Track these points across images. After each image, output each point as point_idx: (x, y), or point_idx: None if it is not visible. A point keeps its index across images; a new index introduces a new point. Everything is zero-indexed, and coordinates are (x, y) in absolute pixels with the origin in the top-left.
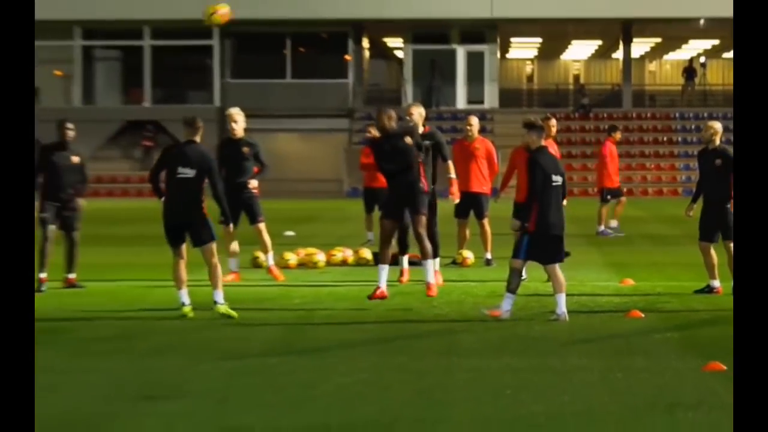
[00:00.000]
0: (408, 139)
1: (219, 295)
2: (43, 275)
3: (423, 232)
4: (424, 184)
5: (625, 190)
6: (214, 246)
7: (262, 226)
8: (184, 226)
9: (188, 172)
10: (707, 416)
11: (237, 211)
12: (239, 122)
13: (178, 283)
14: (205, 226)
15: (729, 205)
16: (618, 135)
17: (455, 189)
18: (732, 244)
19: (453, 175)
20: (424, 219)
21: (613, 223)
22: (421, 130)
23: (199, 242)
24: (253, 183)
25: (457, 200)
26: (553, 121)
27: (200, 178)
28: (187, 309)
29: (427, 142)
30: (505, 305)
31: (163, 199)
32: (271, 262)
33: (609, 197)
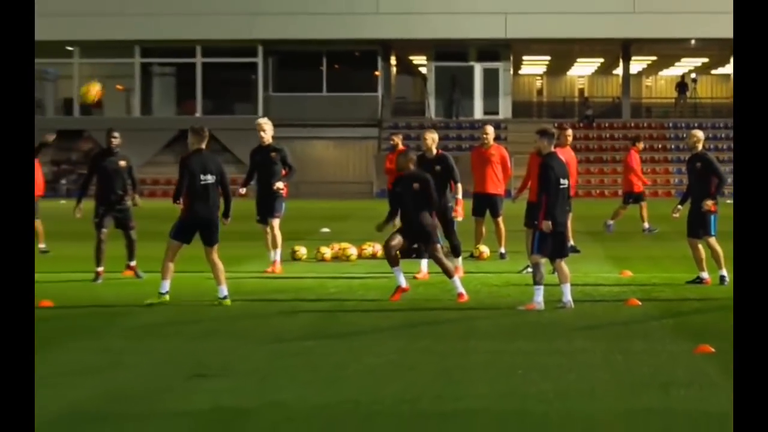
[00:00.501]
0: (416, 185)
1: (224, 290)
2: (100, 269)
3: (439, 255)
4: (435, 218)
5: (647, 193)
6: (217, 247)
7: (275, 222)
8: (204, 226)
9: (210, 179)
10: (698, 393)
11: (268, 210)
12: (267, 131)
13: (167, 274)
14: (217, 228)
15: (707, 204)
16: (641, 145)
17: (460, 209)
18: (712, 240)
19: (460, 196)
20: (438, 245)
21: (646, 225)
22: (434, 152)
23: (210, 242)
24: (279, 185)
25: (460, 219)
26: (569, 131)
27: (218, 183)
28: (166, 297)
29: (438, 167)
30: (537, 297)
31: (179, 203)
32: (276, 257)
33: (631, 200)
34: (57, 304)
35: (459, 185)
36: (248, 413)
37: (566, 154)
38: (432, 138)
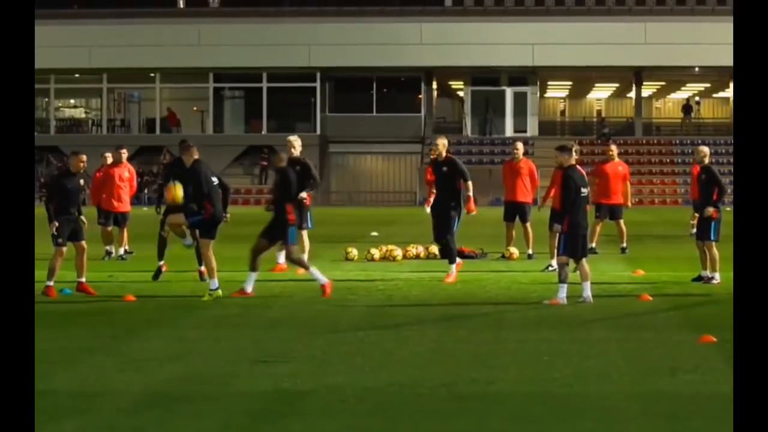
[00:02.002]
0: (277, 178)
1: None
2: (162, 263)
3: (256, 250)
4: (290, 216)
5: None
6: None
7: (304, 233)
8: (219, 221)
9: (215, 180)
10: (701, 377)
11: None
12: (297, 147)
13: (215, 272)
14: None
15: (708, 211)
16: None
17: (471, 205)
18: (710, 244)
19: (470, 193)
20: (290, 246)
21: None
22: (443, 156)
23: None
24: (302, 194)
25: (473, 213)
26: (614, 146)
27: (219, 185)
28: (219, 292)
29: (445, 168)
30: (561, 294)
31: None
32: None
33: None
34: (139, 298)
35: (469, 183)
36: (306, 395)
37: (613, 168)
38: (443, 144)
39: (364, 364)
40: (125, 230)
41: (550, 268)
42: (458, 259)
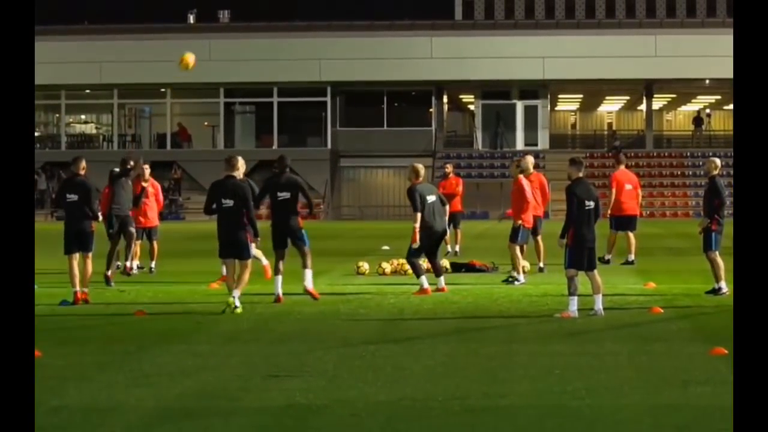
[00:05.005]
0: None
1: (237, 293)
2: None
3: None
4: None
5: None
6: (249, 263)
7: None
8: (230, 244)
9: (229, 203)
10: (713, 390)
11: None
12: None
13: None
14: (244, 246)
15: (705, 222)
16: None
17: (413, 236)
18: (712, 254)
19: (416, 225)
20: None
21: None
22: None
23: (238, 257)
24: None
25: (414, 245)
26: (621, 157)
27: (238, 207)
28: (232, 300)
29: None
30: (572, 307)
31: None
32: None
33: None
34: (151, 313)
35: (416, 214)
36: (318, 409)
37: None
38: (413, 171)
39: (375, 379)
40: (137, 244)
41: (509, 279)
42: (424, 281)
